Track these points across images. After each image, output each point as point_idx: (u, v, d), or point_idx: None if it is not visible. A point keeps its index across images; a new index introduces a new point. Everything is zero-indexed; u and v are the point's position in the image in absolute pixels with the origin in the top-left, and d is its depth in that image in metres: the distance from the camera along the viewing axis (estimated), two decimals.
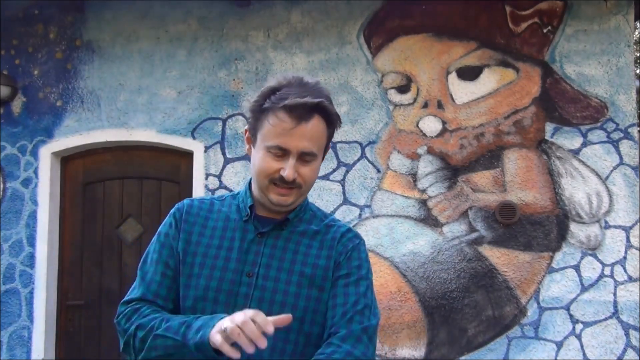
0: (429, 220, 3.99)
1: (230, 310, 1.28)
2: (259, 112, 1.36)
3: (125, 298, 1.43)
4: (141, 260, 1.46)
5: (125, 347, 1.36)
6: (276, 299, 1.33)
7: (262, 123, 1.36)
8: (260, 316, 1.14)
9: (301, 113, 1.31)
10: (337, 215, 4.06)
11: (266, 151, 1.35)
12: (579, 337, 3.80)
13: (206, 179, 4.21)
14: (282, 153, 1.33)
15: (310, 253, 1.40)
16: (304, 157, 1.35)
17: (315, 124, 1.34)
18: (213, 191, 4.18)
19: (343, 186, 4.09)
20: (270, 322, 1.14)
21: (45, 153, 4.39)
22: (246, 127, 1.46)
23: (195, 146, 4.25)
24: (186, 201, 1.49)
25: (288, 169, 1.32)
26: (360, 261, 1.41)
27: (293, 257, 1.38)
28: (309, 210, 1.48)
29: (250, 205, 1.42)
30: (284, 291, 1.34)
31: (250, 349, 1.11)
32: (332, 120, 1.40)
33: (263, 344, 1.11)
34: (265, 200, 1.39)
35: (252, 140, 1.42)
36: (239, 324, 1.13)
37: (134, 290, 1.43)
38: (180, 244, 1.41)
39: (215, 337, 1.16)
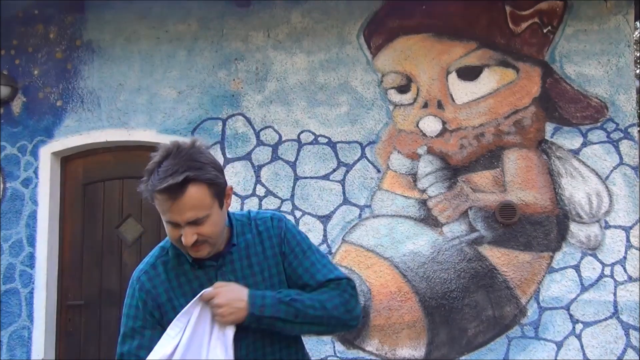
0: (429, 220, 3.99)
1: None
2: (148, 194, 1.48)
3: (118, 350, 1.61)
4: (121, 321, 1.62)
5: None
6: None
7: (153, 201, 1.48)
8: None
9: (172, 192, 1.41)
10: (337, 215, 4.06)
11: (166, 224, 1.50)
12: (579, 337, 3.80)
13: None
14: (175, 225, 1.47)
15: (259, 255, 1.61)
16: (194, 222, 1.46)
17: (191, 194, 1.43)
18: None
19: (343, 186, 4.09)
20: None
21: (45, 153, 4.39)
22: None
23: None
24: (140, 278, 1.60)
25: (184, 237, 1.46)
26: (294, 237, 1.65)
27: (251, 268, 1.60)
28: (238, 225, 1.64)
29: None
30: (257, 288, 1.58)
31: None
32: (209, 181, 1.47)
33: None
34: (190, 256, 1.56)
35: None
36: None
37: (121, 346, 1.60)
38: (155, 312, 1.57)
39: None
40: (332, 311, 1.57)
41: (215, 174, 1.50)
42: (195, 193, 1.43)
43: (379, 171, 4.07)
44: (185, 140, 1.52)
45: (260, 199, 4.14)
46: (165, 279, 1.58)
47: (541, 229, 3.89)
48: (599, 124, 3.92)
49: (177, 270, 1.59)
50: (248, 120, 4.23)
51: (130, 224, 4.40)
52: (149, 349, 1.51)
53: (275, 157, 4.17)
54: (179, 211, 1.43)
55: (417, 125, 4.06)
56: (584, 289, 3.83)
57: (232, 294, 1.50)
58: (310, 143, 4.15)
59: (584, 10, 4.00)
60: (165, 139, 4.25)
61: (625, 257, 3.82)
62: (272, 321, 1.52)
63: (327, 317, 1.57)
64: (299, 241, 1.66)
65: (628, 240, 3.82)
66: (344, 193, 4.09)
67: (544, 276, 3.86)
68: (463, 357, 3.88)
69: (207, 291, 1.52)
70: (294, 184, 4.12)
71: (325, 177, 4.11)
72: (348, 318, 1.61)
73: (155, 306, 1.56)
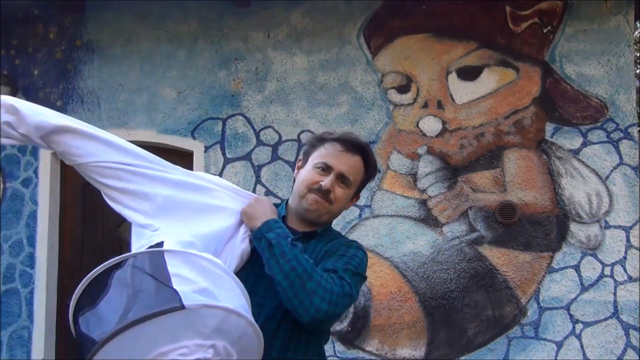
0: (429, 220, 3.99)
1: (253, 295, 1.52)
2: (318, 140, 1.73)
3: None
4: None
5: None
6: None
7: (317, 149, 1.71)
8: None
9: (350, 146, 1.69)
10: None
11: (313, 167, 1.69)
12: (579, 337, 3.80)
13: None
14: (325, 170, 1.67)
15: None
16: (341, 179, 1.67)
17: (357, 160, 1.69)
18: None
19: None
20: None
21: (45, 153, 4.38)
22: (299, 157, 1.81)
23: (195, 146, 4.25)
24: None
25: (327, 180, 1.65)
26: (345, 249, 1.71)
27: None
28: (331, 232, 1.82)
29: (283, 216, 1.74)
30: None
31: None
32: (370, 166, 1.73)
33: None
34: (300, 208, 1.70)
35: (302, 164, 1.76)
36: None
37: None
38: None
39: None
40: (308, 280, 1.51)
41: (374, 172, 1.77)
42: (359, 163, 1.70)
43: (379, 171, 4.07)
44: None
45: None
46: None
47: (541, 229, 3.89)
48: (599, 124, 3.92)
49: None
50: (248, 120, 4.23)
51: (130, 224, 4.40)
52: None
53: (275, 157, 4.17)
54: (341, 160, 1.66)
55: (417, 125, 4.06)
56: (584, 289, 3.83)
57: (260, 207, 1.66)
58: None
59: (584, 10, 4.00)
60: (165, 139, 4.27)
61: (625, 257, 3.82)
62: (267, 247, 1.57)
63: (301, 281, 1.50)
64: (344, 252, 1.71)
65: (628, 240, 3.82)
66: None
67: (544, 276, 3.86)
68: (463, 357, 3.88)
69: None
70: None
71: None
72: (311, 298, 1.50)
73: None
